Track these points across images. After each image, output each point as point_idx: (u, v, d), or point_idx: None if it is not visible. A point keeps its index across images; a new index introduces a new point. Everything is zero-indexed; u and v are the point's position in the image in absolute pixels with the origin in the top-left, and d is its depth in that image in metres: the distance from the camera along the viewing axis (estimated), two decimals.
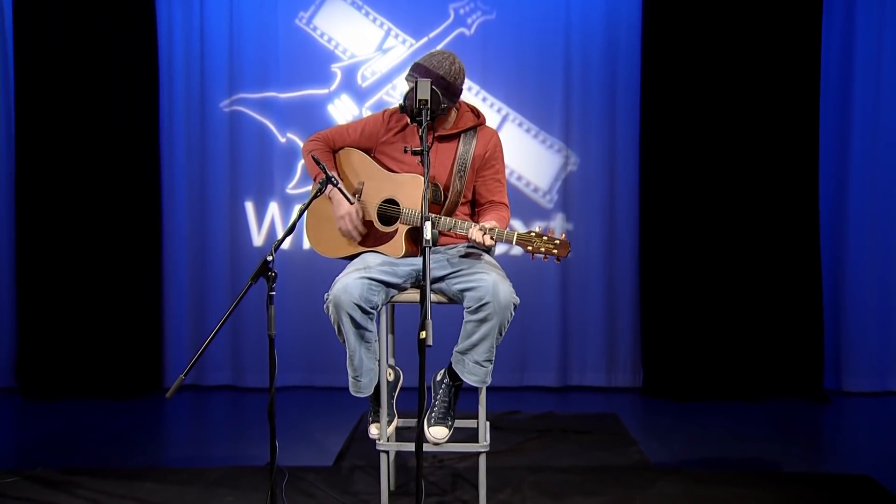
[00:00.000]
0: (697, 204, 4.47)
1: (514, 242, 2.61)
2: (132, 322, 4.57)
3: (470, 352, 2.76)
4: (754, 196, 4.47)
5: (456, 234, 2.89)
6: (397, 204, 2.84)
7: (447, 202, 2.87)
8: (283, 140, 4.69)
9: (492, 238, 2.64)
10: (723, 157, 4.46)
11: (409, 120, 2.90)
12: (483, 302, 2.68)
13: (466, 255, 2.86)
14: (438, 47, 4.62)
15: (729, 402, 4.39)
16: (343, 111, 4.68)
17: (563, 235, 2.60)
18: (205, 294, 4.71)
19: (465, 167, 2.87)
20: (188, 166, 4.68)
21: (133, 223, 4.56)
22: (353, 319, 2.72)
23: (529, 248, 2.59)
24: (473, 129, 2.93)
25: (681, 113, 4.47)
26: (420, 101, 2.56)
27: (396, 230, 2.84)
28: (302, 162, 4.66)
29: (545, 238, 2.59)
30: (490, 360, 2.78)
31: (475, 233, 2.65)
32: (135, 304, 4.57)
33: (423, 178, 2.77)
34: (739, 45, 4.42)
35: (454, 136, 2.91)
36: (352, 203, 2.83)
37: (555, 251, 2.58)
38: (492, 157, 2.94)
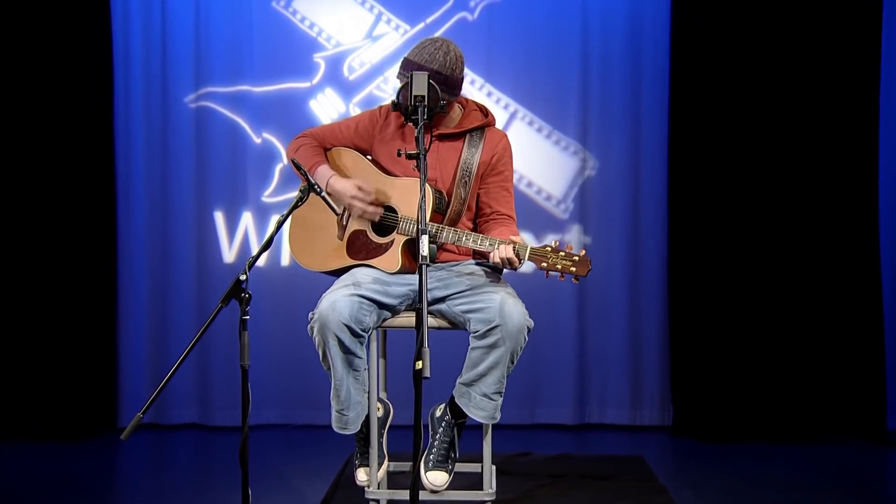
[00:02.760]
0: (734, 214, 4.49)
1: (525, 257, 2.64)
2: (81, 351, 4.56)
3: (477, 383, 2.78)
4: (801, 206, 4.48)
5: (460, 248, 2.92)
6: (395, 212, 2.87)
7: (450, 211, 2.90)
8: (258, 140, 4.72)
9: (516, 254, 2.65)
10: (764, 161, 4.48)
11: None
12: (492, 325, 2.70)
13: (471, 273, 2.88)
14: (437, 34, 4.66)
15: (773, 443, 4.39)
16: (327, 107, 4.71)
17: (584, 252, 2.62)
18: (167, 318, 4.71)
19: (470, 172, 2.90)
20: (148, 171, 4.70)
21: (83, 237, 4.56)
22: (340, 343, 2.74)
23: (544, 264, 2.62)
24: (480, 129, 2.96)
25: (715, 109, 4.49)
26: (416, 97, 2.59)
27: (392, 241, 2.86)
28: (280, 165, 4.69)
29: (562, 254, 2.61)
30: (500, 393, 2.80)
31: (505, 250, 2.65)
32: (84, 331, 4.57)
33: (427, 185, 2.82)
34: (785, 31, 4.44)
35: (458, 136, 2.94)
36: (337, 214, 2.85)
37: (573, 269, 2.60)
38: (500, 162, 2.97)
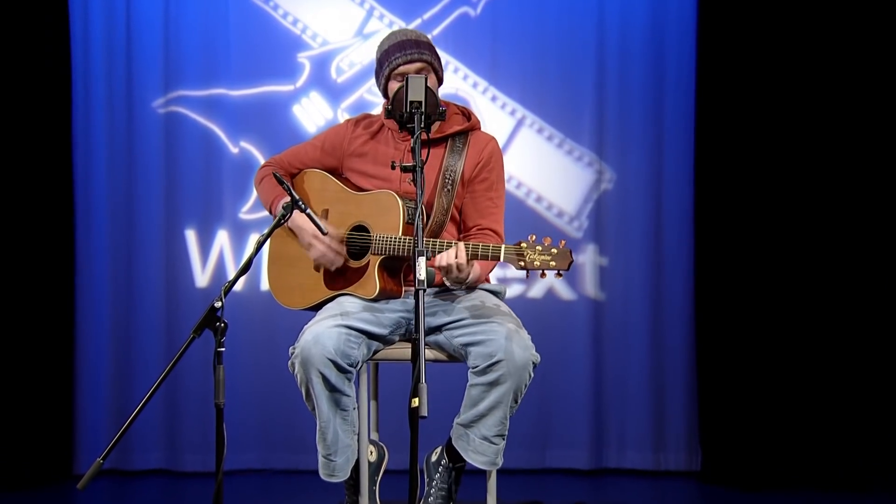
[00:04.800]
0: (769, 234, 4.49)
1: (501, 259, 2.66)
2: (34, 387, 4.53)
3: (476, 425, 2.79)
4: (845, 224, 4.47)
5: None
6: (368, 230, 2.90)
7: (430, 222, 2.93)
8: (234, 150, 4.74)
9: (465, 257, 2.68)
10: (802, 175, 4.48)
11: (383, 124, 2.99)
12: (494, 360, 2.72)
13: (472, 299, 2.90)
14: (436, 31, 4.70)
15: (818, 491, 4.37)
16: (312, 113, 4.74)
17: (563, 243, 2.65)
18: (131, 351, 4.71)
19: (453, 180, 2.93)
20: (111, 185, 4.70)
21: (36, 258, 4.55)
22: (325, 380, 2.75)
23: (522, 263, 2.64)
24: (464, 134, 3.00)
25: (747, 117, 4.50)
26: (412, 103, 2.61)
27: (367, 263, 2.89)
28: None
29: (539, 248, 2.63)
30: (502, 436, 2.81)
31: (445, 257, 2.68)
32: (38, 364, 4.54)
33: (396, 196, 2.85)
34: (822, 34, 4.45)
35: (439, 142, 2.98)
36: (324, 233, 2.88)
37: (553, 264, 2.63)
38: (486, 167, 3.01)
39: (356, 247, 2.93)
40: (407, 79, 2.65)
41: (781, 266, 4.51)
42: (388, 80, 2.98)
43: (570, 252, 2.64)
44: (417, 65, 2.93)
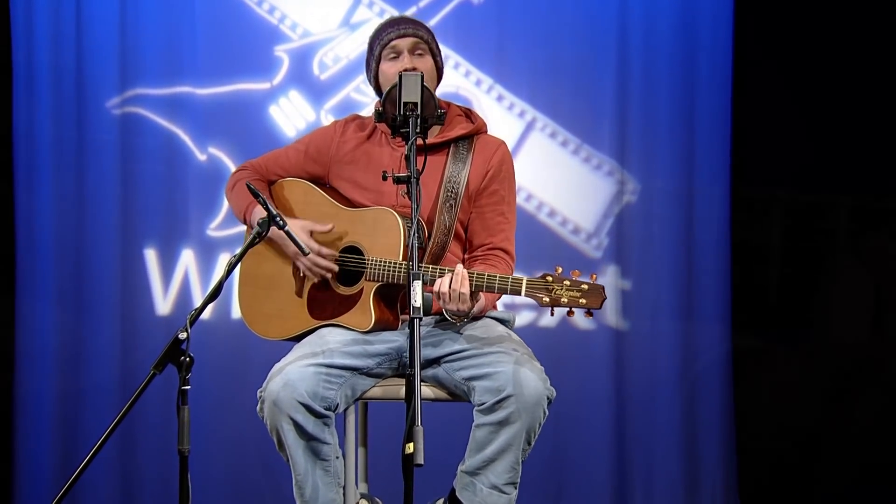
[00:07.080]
0: (818, 254, 4.51)
1: (521, 294, 2.66)
2: None
3: (484, 471, 2.78)
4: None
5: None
6: (362, 252, 2.89)
7: (431, 243, 2.93)
8: (202, 157, 4.74)
9: (472, 288, 2.68)
10: (856, 184, 4.50)
11: (376, 125, 2.99)
12: (502, 396, 2.71)
13: (474, 326, 2.90)
14: (433, 21, 4.70)
15: None
16: (292, 114, 4.74)
17: (594, 277, 2.66)
18: (81, 389, 4.69)
19: (456, 193, 2.93)
20: (58, 196, 4.69)
21: None
22: (298, 427, 2.74)
23: (546, 299, 2.65)
24: (468, 138, 3.00)
25: (793, 119, 4.53)
26: (406, 104, 2.61)
27: (361, 290, 2.88)
28: None
29: (567, 283, 2.64)
30: (514, 484, 2.81)
31: (448, 281, 2.68)
32: None
33: (395, 214, 2.85)
34: (879, 28, 4.49)
35: (440, 147, 2.98)
36: (306, 253, 2.88)
37: (582, 301, 2.64)
38: (496, 176, 3.01)
39: (347, 271, 2.92)
40: (400, 76, 2.65)
41: (832, 292, 4.51)
42: (378, 62, 2.98)
43: (603, 289, 2.65)
44: (412, 40, 2.95)
